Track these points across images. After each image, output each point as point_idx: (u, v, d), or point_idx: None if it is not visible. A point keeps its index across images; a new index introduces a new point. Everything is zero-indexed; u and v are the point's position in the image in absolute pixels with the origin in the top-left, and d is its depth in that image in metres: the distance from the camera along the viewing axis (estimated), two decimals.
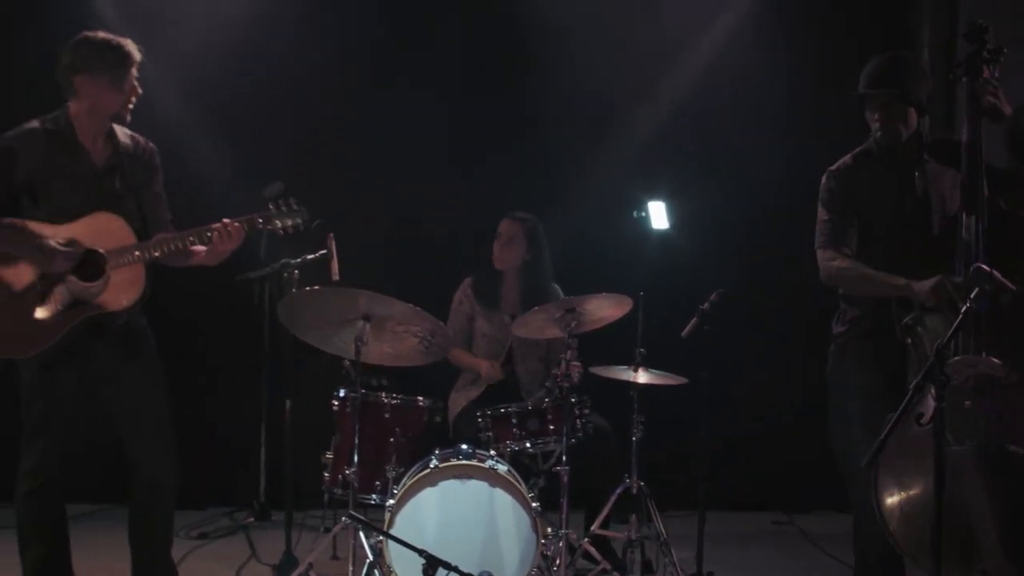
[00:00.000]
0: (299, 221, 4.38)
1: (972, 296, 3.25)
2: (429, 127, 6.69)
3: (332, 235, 5.12)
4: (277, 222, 4.33)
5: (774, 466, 6.55)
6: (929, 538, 3.18)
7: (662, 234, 5.35)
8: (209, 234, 4.19)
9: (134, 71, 4.23)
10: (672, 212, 5.36)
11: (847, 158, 4.20)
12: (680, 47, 6.95)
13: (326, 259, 5.14)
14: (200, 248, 4.27)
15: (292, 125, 6.68)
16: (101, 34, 4.25)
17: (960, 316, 3.20)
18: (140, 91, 4.27)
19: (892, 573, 3.94)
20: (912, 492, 3.51)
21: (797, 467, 6.39)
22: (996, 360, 3.49)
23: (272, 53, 6.70)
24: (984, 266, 3.43)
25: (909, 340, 3.73)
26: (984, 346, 3.55)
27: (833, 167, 4.21)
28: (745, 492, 6.74)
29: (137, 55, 4.24)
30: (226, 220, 4.20)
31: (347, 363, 4.80)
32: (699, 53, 6.93)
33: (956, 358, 3.47)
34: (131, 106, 4.27)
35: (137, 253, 4.12)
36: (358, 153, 6.73)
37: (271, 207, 4.31)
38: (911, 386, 3.14)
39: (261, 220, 4.30)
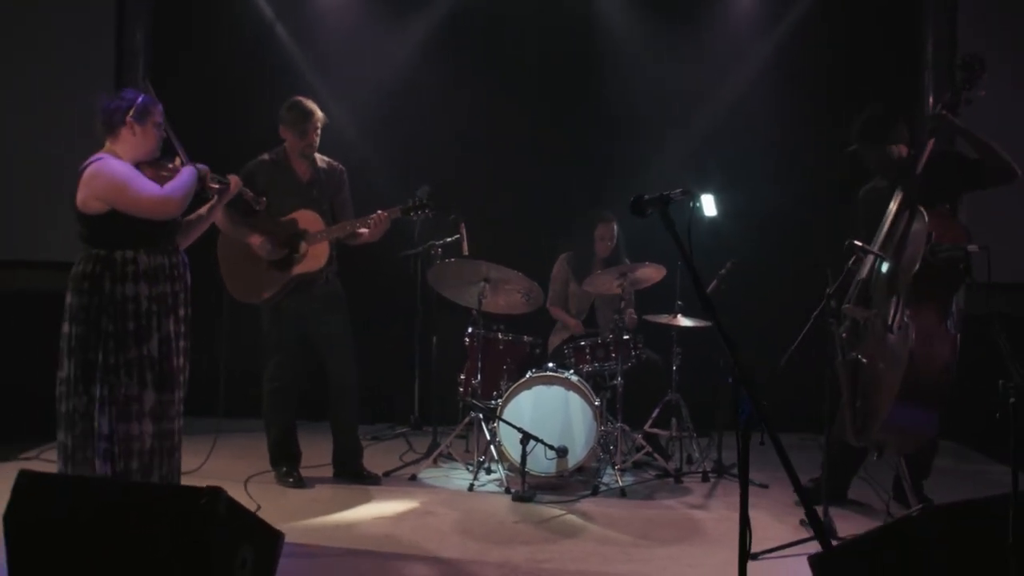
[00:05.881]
0: (426, 210, 5.44)
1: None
2: (527, 143, 7.76)
3: (463, 223, 6.29)
4: (411, 213, 5.49)
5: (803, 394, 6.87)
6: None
7: (711, 220, 6.35)
8: (369, 220, 5.40)
9: (311, 125, 5.47)
10: (719, 203, 6.36)
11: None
12: (723, 72, 7.69)
13: (459, 241, 6.28)
14: (364, 230, 5.45)
15: (435, 141, 7.66)
16: (296, 99, 5.56)
17: (839, 279, 4.52)
18: (315, 139, 5.49)
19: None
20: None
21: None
22: (861, 308, 4.69)
23: (421, 89, 7.77)
24: (857, 242, 4.56)
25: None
26: (856, 300, 4.71)
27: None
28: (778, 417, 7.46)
29: (315, 115, 5.49)
30: (379, 211, 5.42)
31: (474, 311, 5.86)
32: (745, 69, 7.64)
33: (845, 305, 4.68)
34: (315, 144, 5.51)
35: (323, 234, 5.43)
36: (480, 161, 7.69)
37: (409, 201, 5.49)
38: (812, 316, 4.46)
39: (402, 210, 5.42)
